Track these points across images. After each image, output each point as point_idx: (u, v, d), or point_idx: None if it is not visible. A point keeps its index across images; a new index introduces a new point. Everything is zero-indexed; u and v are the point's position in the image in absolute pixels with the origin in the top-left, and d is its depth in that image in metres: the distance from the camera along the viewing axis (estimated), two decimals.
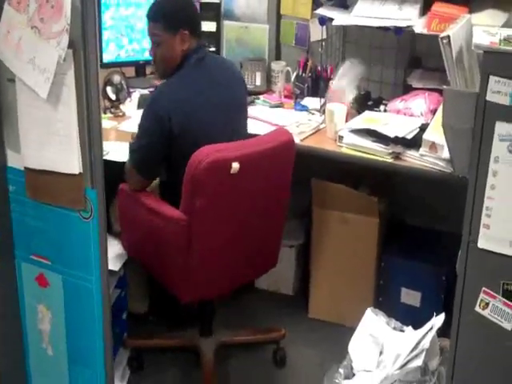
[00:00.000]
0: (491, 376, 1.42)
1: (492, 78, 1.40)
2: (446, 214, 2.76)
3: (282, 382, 2.69)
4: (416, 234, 3.00)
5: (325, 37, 3.09)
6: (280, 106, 3.09)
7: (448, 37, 1.95)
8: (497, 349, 1.40)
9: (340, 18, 2.87)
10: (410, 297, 2.78)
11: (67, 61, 1.77)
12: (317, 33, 3.16)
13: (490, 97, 1.40)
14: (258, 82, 3.24)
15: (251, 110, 2.84)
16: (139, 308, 2.89)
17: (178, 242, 2.18)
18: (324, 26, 3.04)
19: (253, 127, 2.71)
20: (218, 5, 3.24)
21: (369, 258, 2.87)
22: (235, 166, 2.10)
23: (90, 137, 1.85)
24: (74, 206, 1.91)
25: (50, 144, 1.88)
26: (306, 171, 2.73)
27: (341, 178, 2.88)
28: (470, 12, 2.60)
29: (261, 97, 3.14)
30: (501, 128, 1.40)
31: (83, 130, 1.84)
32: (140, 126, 2.37)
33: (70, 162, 1.87)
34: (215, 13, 3.21)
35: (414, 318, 2.25)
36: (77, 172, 1.87)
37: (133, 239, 2.42)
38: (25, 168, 1.96)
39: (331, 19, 2.90)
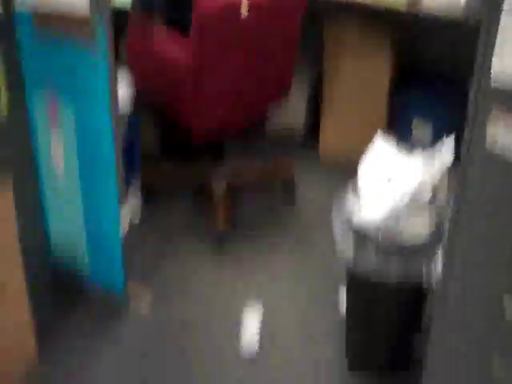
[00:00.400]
0: (503, 202, 1.43)
1: None
2: (461, 52, 2.69)
3: (291, 214, 2.77)
4: (430, 66, 2.95)
5: None
6: None
7: None
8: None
9: None
10: (422, 130, 2.79)
11: None
12: None
13: None
14: None
15: None
16: (151, 146, 2.92)
17: (190, 73, 2.16)
18: None
19: None
20: None
21: (381, 92, 2.85)
22: (244, 9, 2.01)
23: None
24: (83, 37, 1.89)
25: None
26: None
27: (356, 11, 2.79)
28: None
29: None
30: None
31: None
32: None
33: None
34: None
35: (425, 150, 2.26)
36: (87, 14, 1.83)
37: (143, 75, 2.39)
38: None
39: None
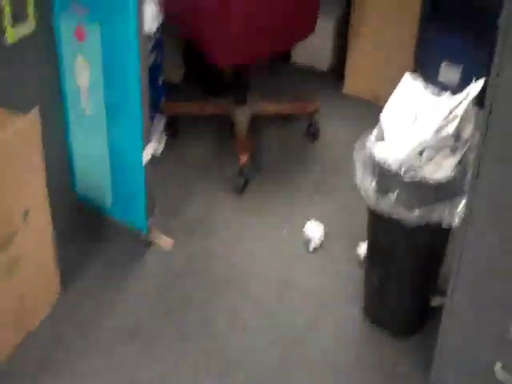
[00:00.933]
0: None
1: None
2: None
3: (314, 153, 2.75)
4: (461, 6, 2.84)
5: None
6: None
7: None
8: None
9: None
10: (451, 72, 2.71)
11: None
12: None
13: None
14: None
15: None
16: (175, 76, 2.89)
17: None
18: None
19: None
20: None
21: (410, 30, 2.78)
22: None
23: None
24: None
25: None
26: None
27: None
28: None
29: None
30: None
31: None
32: None
33: None
34: None
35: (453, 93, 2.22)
36: None
37: None
38: None
39: None
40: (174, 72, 2.88)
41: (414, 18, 2.75)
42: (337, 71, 3.11)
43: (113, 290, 2.15)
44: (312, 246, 2.30)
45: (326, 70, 3.16)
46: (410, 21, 2.76)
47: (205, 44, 2.33)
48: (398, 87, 1.90)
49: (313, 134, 2.78)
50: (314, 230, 2.32)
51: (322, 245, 2.32)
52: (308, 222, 2.35)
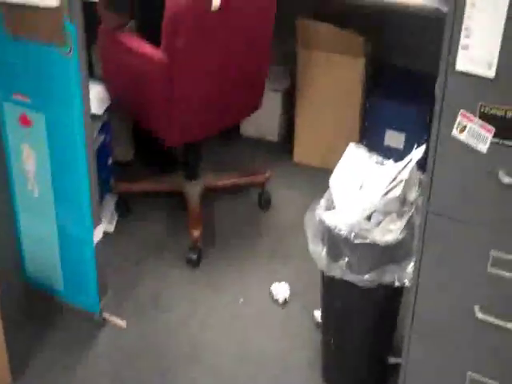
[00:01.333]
0: (469, 203, 1.47)
1: None
2: (432, 55, 2.72)
3: (266, 222, 2.77)
4: (401, 74, 2.97)
5: None
6: None
7: None
8: (474, 173, 1.44)
9: None
10: (394, 138, 2.80)
11: None
12: None
13: None
14: None
15: None
16: (125, 155, 2.91)
17: (161, 81, 2.16)
18: None
19: None
20: None
21: (354, 100, 2.87)
22: (216, 3, 2.04)
23: None
24: (54, 41, 1.88)
25: None
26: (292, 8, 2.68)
27: (326, 17, 2.81)
28: None
29: None
30: None
31: None
32: None
33: None
34: None
35: (397, 160, 2.28)
36: (55, 5, 1.82)
37: (115, 82, 2.39)
38: (1, 3, 1.90)
39: None
40: (124, 151, 2.90)
41: (357, 85, 2.85)
42: (286, 141, 3.16)
43: (66, 374, 2.09)
44: (273, 309, 2.31)
45: (275, 140, 3.22)
46: (354, 88, 2.85)
47: (153, 124, 2.36)
48: (343, 156, 1.96)
49: (265, 203, 2.81)
50: (278, 292, 2.36)
51: (280, 309, 2.33)
52: (272, 285, 2.38)
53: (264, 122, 3.12)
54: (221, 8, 2.06)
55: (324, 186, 1.93)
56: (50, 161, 2.08)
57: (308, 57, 2.85)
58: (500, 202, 1.43)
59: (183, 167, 2.67)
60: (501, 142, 1.38)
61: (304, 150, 3.04)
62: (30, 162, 2.12)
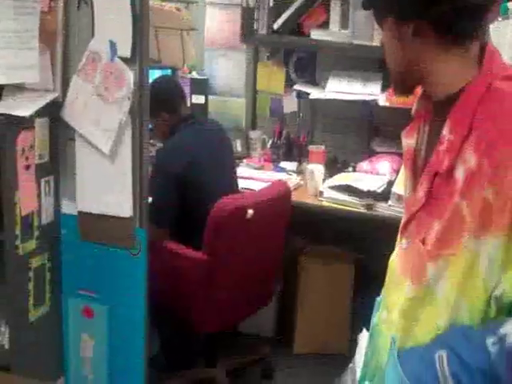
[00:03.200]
0: None
1: None
2: None
3: None
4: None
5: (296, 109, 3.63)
6: (261, 168, 3.54)
7: None
8: None
9: (315, 93, 3.39)
10: None
11: (126, 123, 2.17)
12: (289, 106, 3.67)
13: None
14: (239, 148, 3.69)
15: (239, 171, 3.28)
16: (151, 350, 3.16)
17: (202, 279, 2.55)
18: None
19: (246, 184, 3.15)
20: (206, 80, 3.71)
21: (344, 301, 3.34)
22: (250, 212, 2.51)
23: (141, 185, 2.24)
24: (125, 245, 2.26)
25: (107, 191, 2.24)
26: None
27: (320, 232, 3.34)
28: None
29: (244, 160, 3.58)
30: None
31: (135, 180, 2.23)
32: (153, 186, 2.74)
33: (124, 206, 2.23)
34: (203, 87, 3.67)
35: None
36: (129, 215, 2.24)
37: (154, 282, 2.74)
38: (79, 212, 2.30)
39: (307, 94, 3.42)
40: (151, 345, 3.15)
41: (348, 288, 3.32)
42: (281, 336, 3.50)
43: None
44: None
45: (270, 335, 3.55)
46: (345, 291, 3.31)
47: (190, 315, 2.69)
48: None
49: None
50: None
51: None
52: None
53: (260, 319, 3.49)
54: (253, 217, 2.52)
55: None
56: (108, 348, 2.36)
57: (308, 264, 3.34)
58: None
59: (205, 357, 2.96)
60: None
61: (304, 341, 3.40)
62: (87, 350, 2.39)
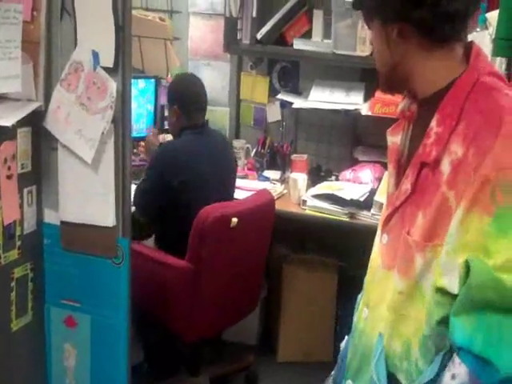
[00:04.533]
0: None
1: None
2: None
3: None
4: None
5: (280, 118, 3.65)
6: (245, 177, 3.55)
7: None
8: None
9: (298, 102, 3.41)
10: None
11: (109, 132, 2.18)
12: (273, 115, 3.69)
13: None
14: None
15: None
16: (134, 358, 3.15)
17: (186, 288, 2.55)
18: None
19: None
20: None
21: (328, 309, 3.37)
22: (234, 220, 2.52)
23: (124, 194, 2.24)
24: (108, 254, 2.26)
25: (89, 201, 2.24)
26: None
27: (303, 241, 3.36)
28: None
29: None
30: None
31: (118, 189, 2.23)
32: (146, 172, 2.81)
33: (107, 216, 2.23)
34: None
35: None
36: (112, 225, 2.24)
37: (141, 290, 2.74)
38: (61, 222, 2.30)
39: (290, 103, 3.44)
40: (134, 354, 3.14)
41: (332, 296, 3.33)
42: (265, 343, 3.51)
43: None
44: None
45: (254, 343, 3.56)
46: (329, 298, 3.33)
47: (174, 323, 2.69)
48: None
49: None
50: None
51: None
52: None
53: (244, 327, 3.49)
54: (237, 225, 2.54)
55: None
56: (91, 358, 2.35)
57: (292, 272, 3.35)
58: None
59: (188, 365, 2.96)
60: None
61: (287, 349, 3.40)
62: (70, 359, 2.39)
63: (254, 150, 3.70)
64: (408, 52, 1.25)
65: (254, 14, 3.43)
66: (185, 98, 2.92)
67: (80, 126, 2.19)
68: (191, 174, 2.73)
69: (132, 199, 2.57)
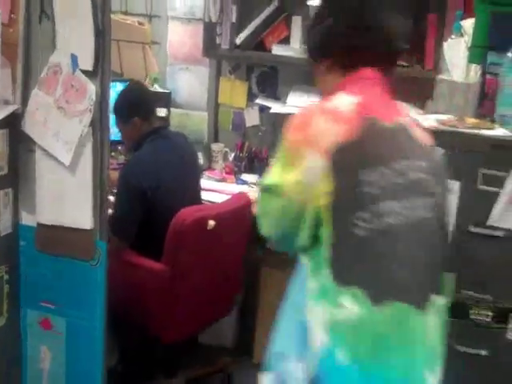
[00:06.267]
0: None
1: None
2: None
3: None
4: None
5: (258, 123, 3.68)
6: (223, 180, 3.56)
7: None
8: None
9: (276, 107, 3.44)
10: None
11: (87, 135, 2.18)
12: (251, 119, 3.71)
13: None
14: (201, 161, 3.70)
15: (201, 183, 3.30)
16: (109, 360, 3.15)
17: (163, 290, 2.56)
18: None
19: (207, 196, 3.18)
20: (168, 94, 3.73)
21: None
22: (211, 223, 2.53)
23: (102, 197, 2.25)
24: (85, 256, 2.27)
25: (67, 203, 2.25)
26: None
27: None
28: None
29: (206, 173, 3.60)
30: None
31: (95, 192, 2.24)
32: (117, 195, 2.76)
33: (84, 218, 2.24)
34: (166, 101, 3.68)
35: None
36: (89, 227, 2.24)
37: (118, 293, 2.74)
38: (38, 224, 2.30)
39: (269, 108, 3.47)
40: (109, 356, 3.13)
41: None
42: (242, 345, 3.52)
43: None
44: None
45: (231, 345, 3.57)
46: None
47: (151, 324, 2.68)
48: None
49: None
50: None
51: None
52: None
53: (221, 329, 3.50)
54: (214, 228, 2.55)
55: None
56: (67, 360, 2.35)
57: (269, 274, 3.35)
58: None
59: (165, 368, 2.96)
60: None
61: (263, 352, 3.41)
62: (46, 362, 2.39)
63: (233, 154, 3.71)
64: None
65: (234, 20, 3.44)
66: (144, 106, 2.92)
67: (58, 129, 2.20)
68: (160, 179, 2.73)
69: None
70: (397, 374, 1.43)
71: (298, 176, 1.47)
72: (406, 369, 1.44)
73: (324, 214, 1.45)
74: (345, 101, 1.50)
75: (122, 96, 2.98)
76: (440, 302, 1.52)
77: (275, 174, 1.52)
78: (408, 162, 1.48)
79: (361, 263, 1.44)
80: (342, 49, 1.59)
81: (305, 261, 1.58)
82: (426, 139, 1.56)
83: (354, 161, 1.45)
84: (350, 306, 1.43)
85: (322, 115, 1.48)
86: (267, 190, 1.54)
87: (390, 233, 1.43)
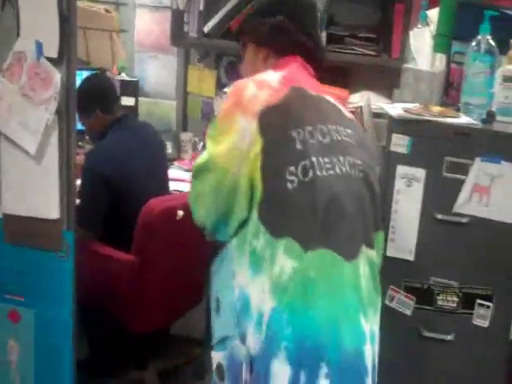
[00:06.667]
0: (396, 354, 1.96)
1: (394, 135, 2.02)
2: None
3: None
4: None
5: None
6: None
7: (360, 107, 2.54)
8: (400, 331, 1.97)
9: None
10: None
11: (53, 124, 2.15)
12: (220, 108, 3.68)
13: (393, 148, 2.02)
14: (170, 150, 3.68)
15: (170, 173, 3.28)
16: (79, 353, 3.13)
17: (132, 280, 2.55)
18: None
19: (176, 186, 3.16)
20: (136, 82, 3.70)
21: None
22: (180, 213, 2.52)
23: (69, 186, 2.22)
24: (52, 247, 2.24)
25: (33, 193, 2.22)
26: None
27: None
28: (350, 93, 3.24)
29: (175, 162, 3.58)
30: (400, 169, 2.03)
31: (62, 181, 2.21)
32: (81, 186, 2.73)
33: (50, 208, 2.21)
34: (133, 89, 3.65)
35: None
36: (56, 217, 2.22)
37: (87, 285, 2.72)
38: (4, 215, 2.27)
39: None
40: (80, 349, 3.11)
41: None
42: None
43: None
44: None
45: (201, 336, 3.56)
46: None
47: (122, 315, 2.68)
48: None
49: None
50: None
51: None
52: None
53: (191, 320, 3.50)
54: (183, 218, 2.54)
55: None
56: (35, 353, 2.33)
57: None
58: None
59: (136, 359, 2.96)
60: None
61: None
62: (14, 354, 2.36)
63: (202, 143, 3.70)
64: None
65: (201, 8, 3.42)
66: (105, 97, 2.90)
67: (23, 117, 2.17)
68: (125, 167, 2.72)
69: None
70: (326, 315, 1.53)
71: (230, 143, 1.58)
72: (335, 310, 1.54)
73: (256, 175, 1.56)
74: (273, 74, 1.69)
75: (81, 89, 2.86)
76: (371, 254, 1.63)
77: (206, 152, 1.65)
78: (334, 127, 1.64)
79: (292, 214, 1.56)
80: (287, 43, 1.77)
81: (230, 244, 1.69)
82: (351, 116, 1.75)
83: (282, 121, 1.59)
84: (284, 261, 1.53)
85: (253, 84, 1.64)
86: (200, 171, 1.65)
87: (317, 184, 1.56)
